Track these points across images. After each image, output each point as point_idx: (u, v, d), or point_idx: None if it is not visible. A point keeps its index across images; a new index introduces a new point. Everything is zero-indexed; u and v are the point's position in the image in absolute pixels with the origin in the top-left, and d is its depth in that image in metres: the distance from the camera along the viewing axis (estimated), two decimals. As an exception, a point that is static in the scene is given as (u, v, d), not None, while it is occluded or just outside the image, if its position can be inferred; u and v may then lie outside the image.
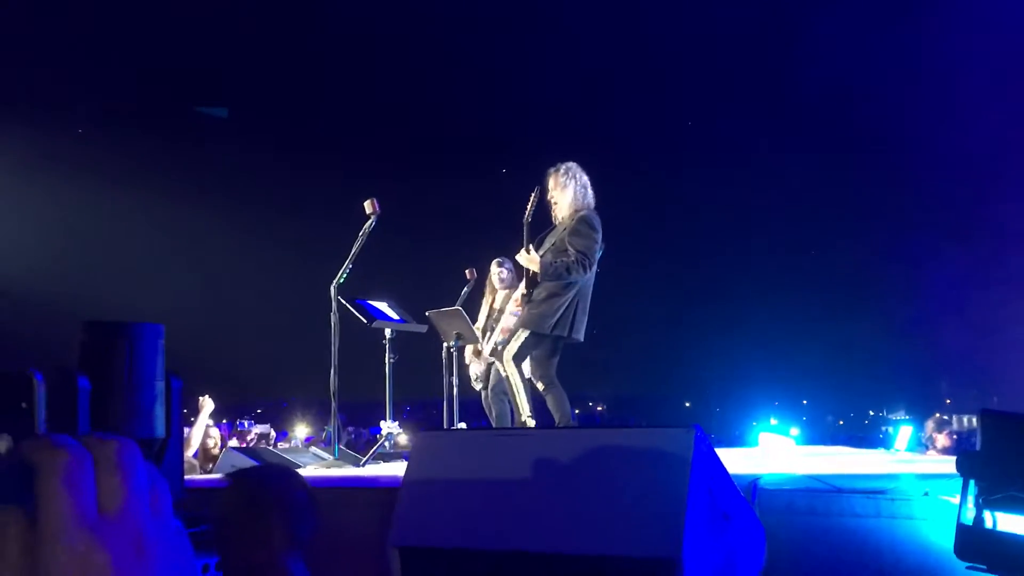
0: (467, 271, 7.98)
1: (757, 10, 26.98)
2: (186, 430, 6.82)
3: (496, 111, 31.01)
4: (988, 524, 2.31)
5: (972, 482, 2.34)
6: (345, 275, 6.19)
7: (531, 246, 5.83)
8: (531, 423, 5.81)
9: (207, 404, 6.83)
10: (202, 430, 6.89)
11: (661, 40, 28.40)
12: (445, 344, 7.32)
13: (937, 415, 11.51)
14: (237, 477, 2.57)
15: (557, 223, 6.01)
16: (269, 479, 2.53)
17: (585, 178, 5.99)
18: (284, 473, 2.62)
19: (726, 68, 28.73)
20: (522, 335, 5.80)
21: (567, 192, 5.93)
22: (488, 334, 7.12)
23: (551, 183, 6.00)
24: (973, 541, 2.31)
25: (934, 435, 8.61)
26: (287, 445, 11.71)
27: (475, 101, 31.54)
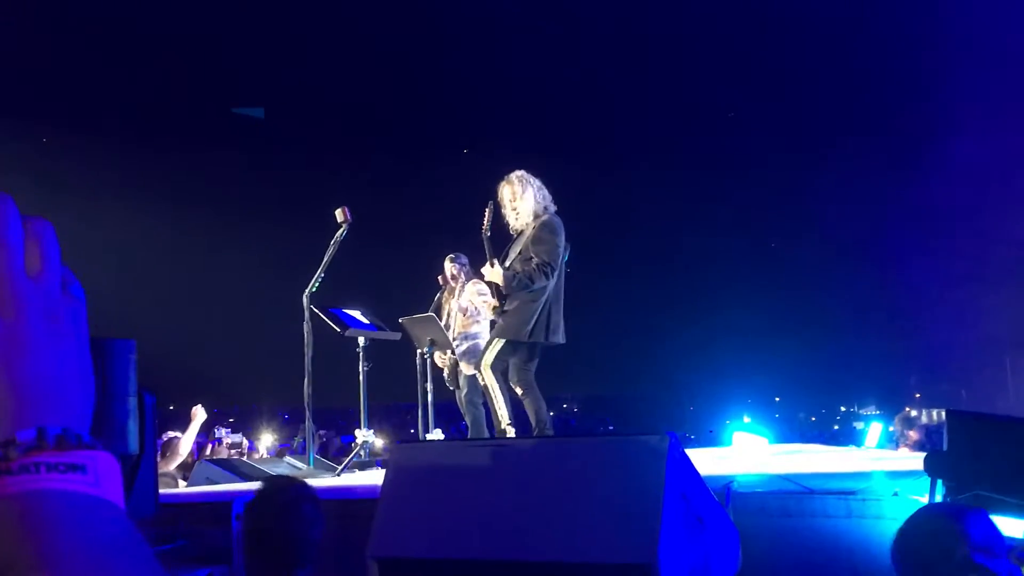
0: (439, 277, 7.99)
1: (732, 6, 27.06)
2: (177, 435, 6.83)
3: (466, 114, 31.00)
4: (956, 523, 2.35)
5: (940, 482, 2.39)
6: (317, 284, 6.18)
7: (495, 260, 5.83)
8: (511, 431, 5.81)
9: (199, 413, 6.83)
10: (192, 439, 6.89)
11: (637, 37, 28.50)
12: (419, 350, 7.32)
13: (906, 409, 11.61)
14: (260, 493, 2.69)
15: (519, 231, 6.01)
16: (290, 494, 2.65)
17: (538, 181, 6.02)
18: (301, 487, 2.72)
19: (698, 66, 28.87)
20: (498, 344, 5.80)
21: (527, 198, 5.92)
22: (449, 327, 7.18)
23: (508, 193, 5.99)
24: (941, 540, 2.35)
25: (904, 432, 8.69)
26: (260, 455, 11.64)
27: (445, 104, 31.50)
